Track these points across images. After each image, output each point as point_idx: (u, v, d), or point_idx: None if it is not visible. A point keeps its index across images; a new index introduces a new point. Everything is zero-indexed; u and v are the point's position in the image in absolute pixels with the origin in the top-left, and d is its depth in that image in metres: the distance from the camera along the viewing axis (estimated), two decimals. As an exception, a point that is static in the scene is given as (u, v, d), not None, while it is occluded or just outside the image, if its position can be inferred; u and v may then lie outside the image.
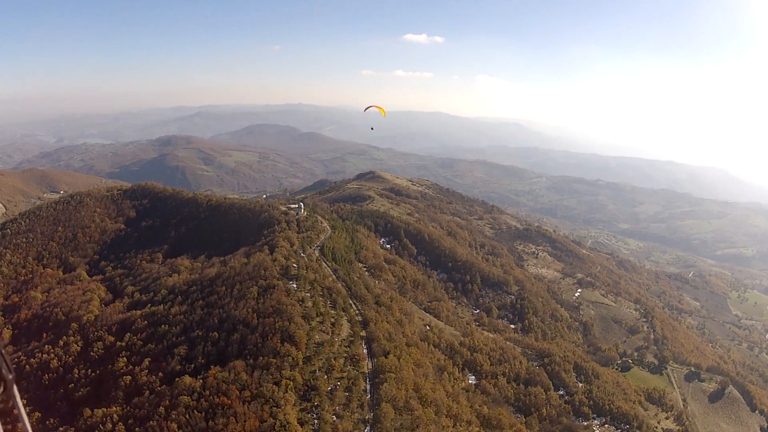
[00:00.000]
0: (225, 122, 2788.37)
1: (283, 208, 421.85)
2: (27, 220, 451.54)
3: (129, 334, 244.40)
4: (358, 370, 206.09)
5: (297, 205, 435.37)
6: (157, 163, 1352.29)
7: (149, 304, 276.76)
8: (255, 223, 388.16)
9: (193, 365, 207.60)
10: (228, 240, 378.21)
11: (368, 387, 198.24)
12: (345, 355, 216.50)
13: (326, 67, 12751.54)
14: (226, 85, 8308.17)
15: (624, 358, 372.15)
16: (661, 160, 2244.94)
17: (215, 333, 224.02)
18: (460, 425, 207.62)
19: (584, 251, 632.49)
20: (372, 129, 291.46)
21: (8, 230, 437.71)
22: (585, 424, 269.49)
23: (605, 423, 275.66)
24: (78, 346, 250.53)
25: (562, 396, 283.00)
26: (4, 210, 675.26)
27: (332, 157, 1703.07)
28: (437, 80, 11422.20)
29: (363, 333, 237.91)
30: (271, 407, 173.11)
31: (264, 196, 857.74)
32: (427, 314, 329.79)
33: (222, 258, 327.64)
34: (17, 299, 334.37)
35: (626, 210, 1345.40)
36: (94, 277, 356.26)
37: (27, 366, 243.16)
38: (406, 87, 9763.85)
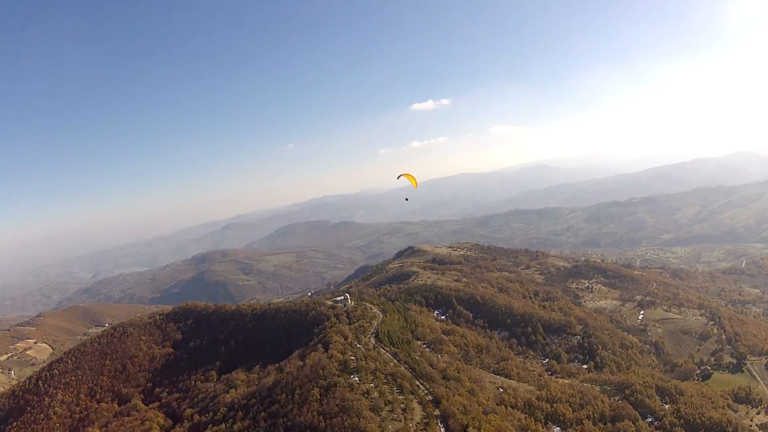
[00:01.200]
0: (256, 229, 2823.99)
1: (330, 302, 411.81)
2: (73, 357, 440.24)
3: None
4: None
5: (343, 297, 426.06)
6: (197, 282, 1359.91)
7: (210, 425, 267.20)
8: (304, 323, 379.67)
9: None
10: (280, 345, 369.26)
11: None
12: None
13: (343, 155, 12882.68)
14: (249, 194, 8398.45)
15: (702, 367, 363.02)
16: (688, 160, 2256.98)
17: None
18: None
19: (636, 272, 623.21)
20: (407, 200, 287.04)
21: (56, 370, 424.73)
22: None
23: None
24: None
25: (651, 423, 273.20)
26: (51, 351, 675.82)
27: (368, 241, 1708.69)
28: (452, 142, 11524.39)
29: (437, 412, 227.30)
30: None
31: (309, 294, 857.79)
32: (497, 376, 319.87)
33: (277, 365, 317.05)
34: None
35: (665, 219, 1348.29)
36: (150, 405, 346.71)
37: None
38: (423, 156, 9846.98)
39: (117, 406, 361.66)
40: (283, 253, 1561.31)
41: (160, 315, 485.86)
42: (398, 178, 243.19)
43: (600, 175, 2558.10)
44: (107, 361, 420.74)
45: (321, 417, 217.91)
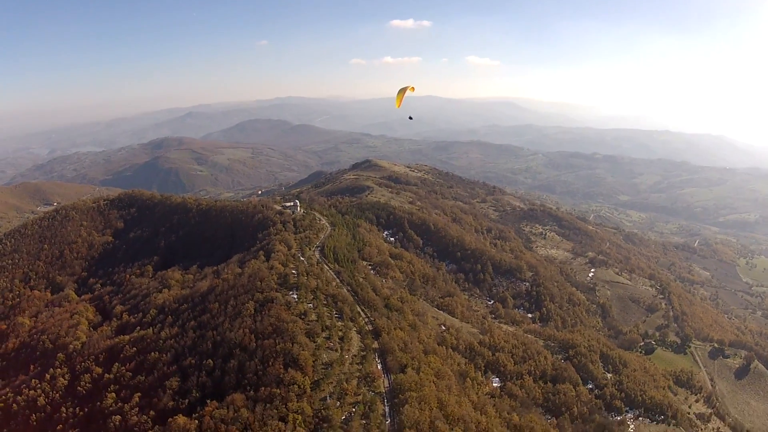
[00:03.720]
0: (216, 121, 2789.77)
1: (278, 207, 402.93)
2: (12, 240, 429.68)
3: (117, 364, 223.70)
4: (374, 391, 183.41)
5: (292, 203, 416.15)
6: (150, 167, 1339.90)
7: (138, 327, 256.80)
8: (249, 226, 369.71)
9: (187, 400, 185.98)
10: (221, 247, 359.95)
11: (387, 410, 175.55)
12: (358, 374, 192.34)
13: (315, 59, 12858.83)
14: (215, 84, 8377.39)
15: (647, 340, 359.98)
16: (658, 130, 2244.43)
17: (210, 360, 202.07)
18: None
19: (591, 227, 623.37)
20: (411, 118, 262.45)
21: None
22: (618, 419, 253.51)
23: (639, 416, 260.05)
24: (65, 379, 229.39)
25: (591, 390, 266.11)
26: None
27: (325, 147, 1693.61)
28: (426, 64, 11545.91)
29: (375, 345, 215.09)
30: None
31: (259, 192, 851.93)
32: (441, 312, 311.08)
33: (215, 268, 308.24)
34: (4, 326, 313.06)
35: (625, 182, 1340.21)
36: (82, 297, 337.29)
37: (14, 405, 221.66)
38: (395, 73, 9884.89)
39: (50, 295, 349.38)
40: (239, 148, 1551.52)
41: (104, 201, 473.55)
42: (399, 93, 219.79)
43: (567, 125, 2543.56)
44: (45, 246, 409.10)
45: (253, 336, 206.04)
